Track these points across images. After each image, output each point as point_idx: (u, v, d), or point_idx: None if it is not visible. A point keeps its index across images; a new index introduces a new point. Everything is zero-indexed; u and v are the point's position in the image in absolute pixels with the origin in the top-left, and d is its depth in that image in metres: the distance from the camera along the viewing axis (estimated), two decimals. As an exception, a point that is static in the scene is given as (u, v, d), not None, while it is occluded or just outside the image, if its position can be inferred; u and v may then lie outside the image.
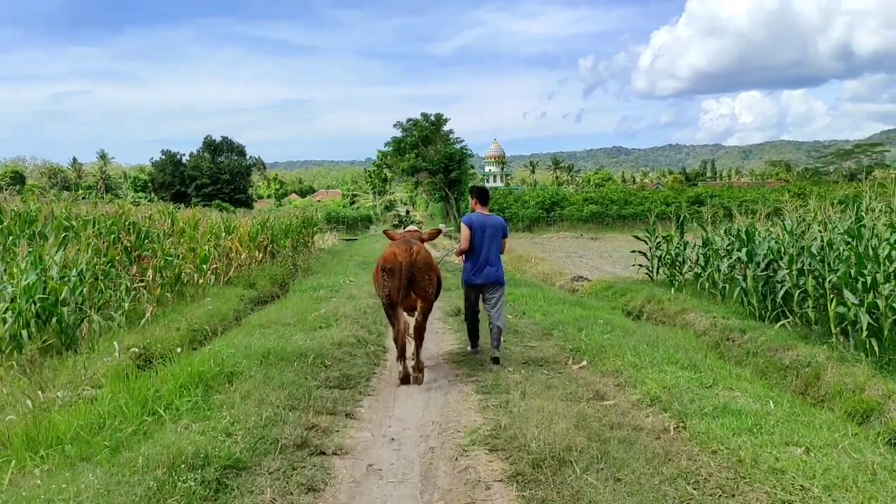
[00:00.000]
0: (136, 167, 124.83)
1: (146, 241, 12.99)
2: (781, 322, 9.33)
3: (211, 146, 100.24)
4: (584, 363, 7.27)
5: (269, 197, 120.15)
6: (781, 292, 9.76)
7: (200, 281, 13.17)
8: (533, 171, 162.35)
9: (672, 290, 13.61)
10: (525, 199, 55.63)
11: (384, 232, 7.92)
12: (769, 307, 10.48)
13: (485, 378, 6.48)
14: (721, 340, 9.86)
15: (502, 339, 7.56)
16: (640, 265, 16.00)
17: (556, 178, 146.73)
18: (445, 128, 56.58)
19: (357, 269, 19.77)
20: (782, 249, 10.12)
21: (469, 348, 7.97)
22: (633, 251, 16.21)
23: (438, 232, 7.93)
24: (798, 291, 9.43)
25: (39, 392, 5.72)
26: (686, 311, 11.71)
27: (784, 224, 10.94)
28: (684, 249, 14.71)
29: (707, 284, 13.05)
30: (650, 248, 15.67)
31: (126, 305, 9.74)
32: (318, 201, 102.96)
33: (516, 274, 19.98)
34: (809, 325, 9.27)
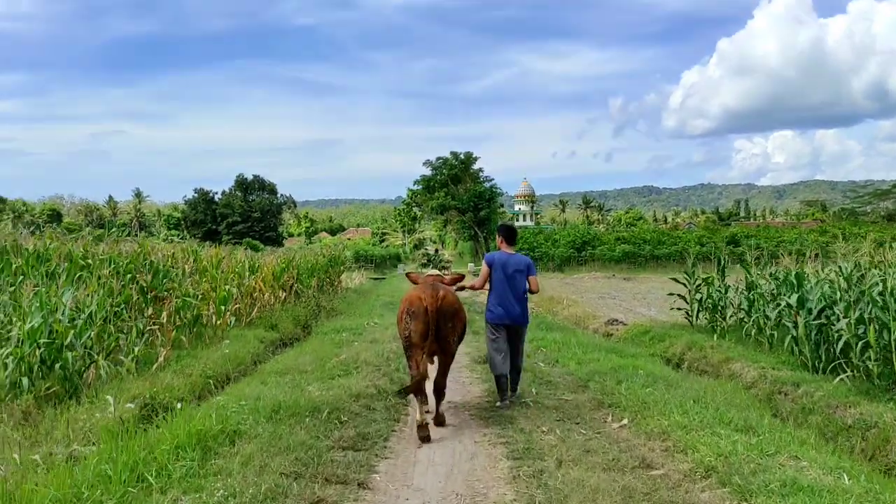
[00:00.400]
0: (169, 205, 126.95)
1: (164, 280, 12.58)
2: (840, 376, 8.53)
3: (243, 185, 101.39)
4: (625, 422, 6.58)
5: (299, 235, 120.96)
6: (840, 343, 8.97)
7: (219, 323, 12.69)
8: (563, 210, 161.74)
9: (714, 336, 12.82)
10: (556, 238, 54.96)
11: (406, 275, 7.59)
12: (823, 358, 9.69)
13: (516, 440, 5.81)
14: (772, 394, 9.08)
15: (520, 379, 7.69)
16: (679, 308, 15.20)
17: (587, 217, 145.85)
18: (475, 166, 56.54)
19: (382, 309, 19.21)
20: (838, 295, 9.34)
21: (498, 402, 7.40)
22: (671, 294, 15.43)
23: (461, 277, 7.50)
24: (858, 341, 8.64)
25: (19, 450, 5.19)
26: (731, 360, 10.93)
27: (839, 268, 10.19)
28: (726, 293, 13.95)
29: (752, 331, 12.26)
30: (689, 290, 14.90)
31: (137, 350, 9.25)
32: (348, 239, 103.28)
33: (547, 316, 19.28)
34: (871, 378, 8.47)
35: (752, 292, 12.59)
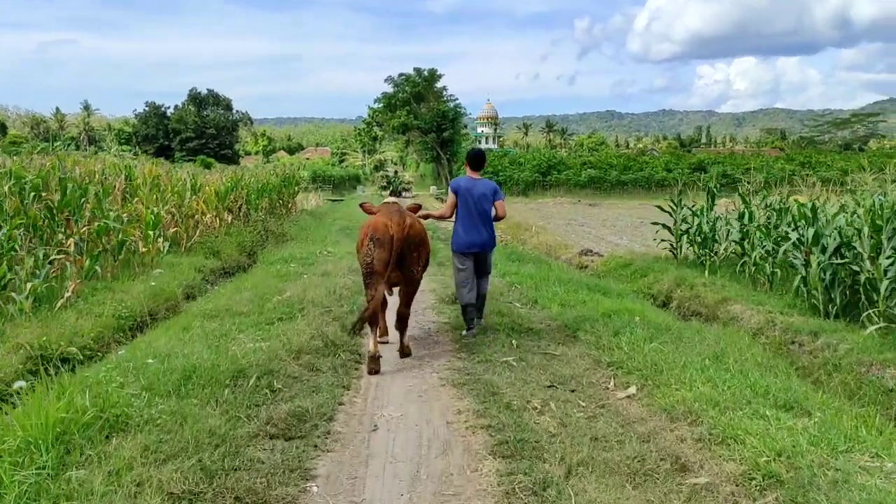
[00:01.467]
0: (121, 119, 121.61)
1: (82, 200, 10.79)
2: (871, 328, 7.31)
3: (196, 99, 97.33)
4: (633, 390, 5.26)
5: (256, 153, 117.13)
6: (860, 286, 7.75)
7: (145, 250, 11.01)
8: (526, 134, 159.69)
9: (705, 272, 11.58)
10: (520, 161, 53.39)
11: (361, 205, 6.97)
12: (837, 302, 8.51)
13: (501, 422, 4.40)
14: (785, 344, 7.89)
15: (485, 306, 7.48)
16: (664, 240, 13.92)
17: (550, 141, 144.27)
18: (439, 84, 53.99)
19: (338, 235, 17.64)
20: (864, 230, 8.06)
21: (464, 331, 7.14)
22: (655, 223, 14.12)
23: (419, 207, 7.06)
24: (890, 285, 7.41)
25: None
26: (728, 300, 9.71)
27: (857, 198, 8.92)
28: (714, 224, 12.68)
29: (749, 268, 11.05)
30: (675, 220, 13.59)
31: (33, 284, 7.61)
32: (307, 159, 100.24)
33: (517, 245, 17.92)
34: (901, 327, 7.30)
35: (749, 224, 11.32)
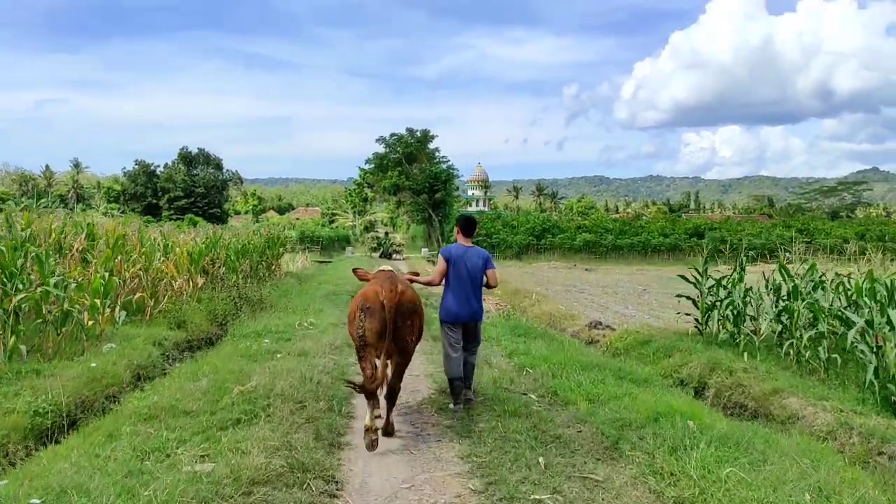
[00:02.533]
0: (110, 178, 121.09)
1: (23, 261, 9.23)
2: None
3: (186, 158, 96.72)
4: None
5: (246, 213, 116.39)
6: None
7: (91, 322, 9.38)
8: (516, 197, 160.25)
9: (743, 354, 10.04)
10: (513, 224, 52.25)
11: (354, 271, 6.73)
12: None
13: None
14: (869, 455, 6.33)
15: (474, 376, 7.15)
16: (687, 314, 12.42)
17: (540, 204, 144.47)
18: (431, 146, 53.14)
19: (323, 303, 16.06)
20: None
21: (451, 405, 6.88)
22: (680, 296, 12.64)
23: (417, 274, 7.14)
24: None
25: None
26: (781, 393, 8.16)
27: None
28: (745, 297, 11.21)
29: (794, 352, 9.54)
30: (700, 292, 12.12)
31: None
32: (297, 219, 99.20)
33: (518, 315, 16.36)
34: None
35: (794, 301, 9.84)
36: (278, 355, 8.89)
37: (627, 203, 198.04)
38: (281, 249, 25.74)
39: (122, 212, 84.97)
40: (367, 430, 5.48)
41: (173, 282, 14.37)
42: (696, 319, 12.11)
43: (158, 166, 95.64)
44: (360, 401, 7.06)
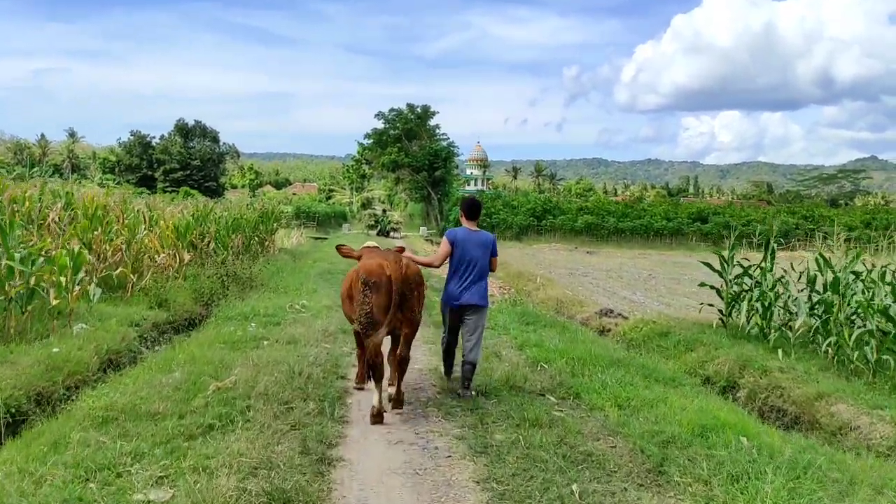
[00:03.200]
0: (107, 148, 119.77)
1: (-17, 233, 8.29)
2: None
3: (183, 130, 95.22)
4: None
5: (243, 187, 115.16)
6: None
7: (56, 301, 8.42)
8: (515, 177, 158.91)
9: (777, 351, 9.13)
10: (514, 205, 51.23)
11: (337, 248, 6.54)
12: None
13: None
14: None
15: (474, 376, 6.66)
16: (710, 304, 11.51)
17: (539, 185, 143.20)
18: (432, 122, 51.95)
19: (317, 282, 15.14)
20: None
21: (443, 372, 7.12)
22: (703, 285, 11.72)
23: (402, 249, 6.59)
24: None
25: None
26: (827, 398, 7.28)
27: None
28: (773, 287, 10.30)
29: (834, 350, 8.66)
30: (725, 280, 11.21)
31: None
32: (294, 194, 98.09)
33: (524, 301, 15.44)
34: None
35: (834, 294, 8.93)
36: (265, 343, 7.97)
37: (626, 186, 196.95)
38: (275, 225, 24.78)
39: (118, 183, 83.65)
40: (375, 413, 5.47)
41: (157, 257, 13.44)
42: (720, 310, 11.21)
43: (154, 137, 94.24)
44: (355, 401, 6.17)
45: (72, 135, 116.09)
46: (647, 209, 50.93)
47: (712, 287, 11.33)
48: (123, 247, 13.11)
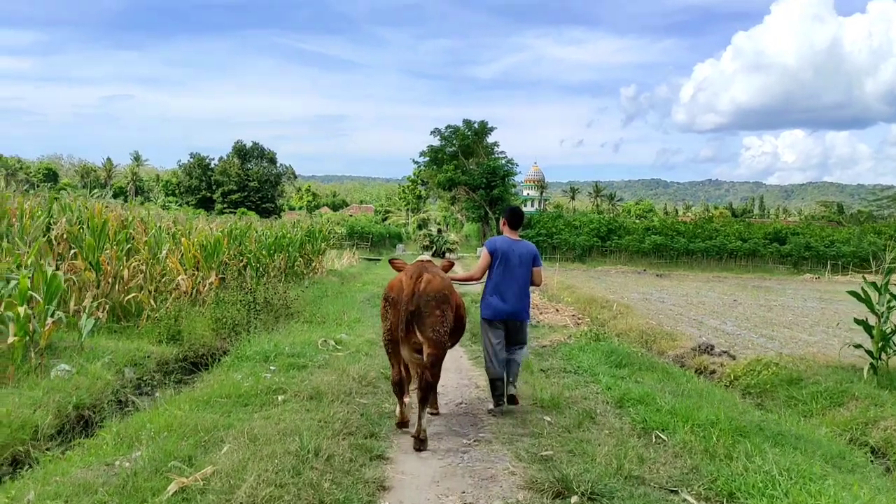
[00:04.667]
0: (169, 171, 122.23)
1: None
2: None
3: (241, 151, 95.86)
4: None
5: (300, 209, 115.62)
6: None
7: (14, 339, 6.55)
8: (573, 198, 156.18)
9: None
10: (576, 224, 48.69)
11: (390, 261, 6.17)
12: None
13: None
14: None
15: (519, 374, 6.44)
16: (857, 345, 9.04)
17: (597, 206, 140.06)
18: (490, 139, 49.91)
19: (363, 308, 13.19)
20: None
21: (492, 406, 6.35)
22: (859, 322, 9.21)
23: (451, 264, 6.21)
24: None
25: None
26: None
27: None
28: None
29: None
30: (877, 314, 8.76)
31: None
32: (350, 216, 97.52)
33: (604, 332, 13.14)
34: None
35: None
36: (280, 397, 5.95)
37: (687, 206, 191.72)
38: (323, 245, 23.00)
39: (179, 205, 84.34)
40: (400, 422, 5.45)
41: (181, 280, 11.67)
42: (869, 352, 8.75)
43: (213, 159, 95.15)
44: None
45: (136, 158, 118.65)
46: (720, 229, 47.67)
47: (859, 322, 8.88)
48: (144, 268, 11.44)
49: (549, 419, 5.98)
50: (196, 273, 12.22)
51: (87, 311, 8.27)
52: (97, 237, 10.19)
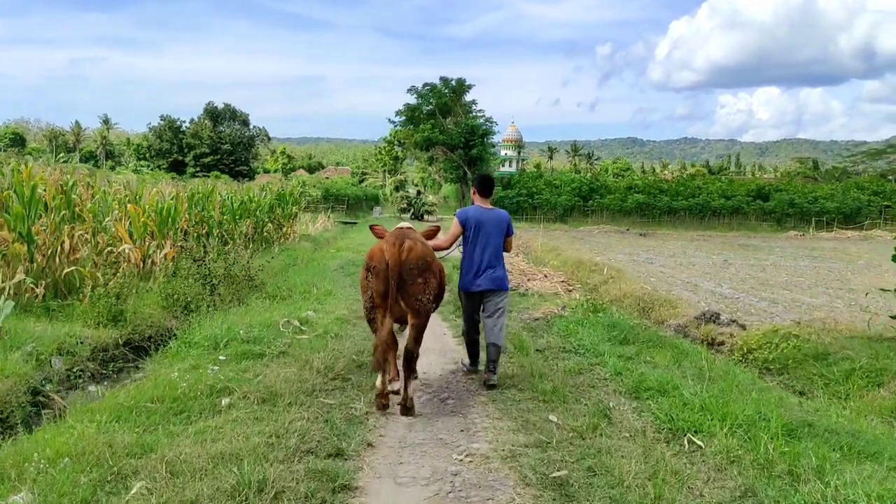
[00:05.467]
0: (140, 135, 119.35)
1: None
2: None
3: (212, 114, 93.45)
4: None
5: (275, 171, 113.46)
6: None
7: None
8: (551, 158, 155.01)
9: None
10: (556, 184, 47.55)
11: (370, 227, 6.04)
12: None
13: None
14: None
15: (500, 359, 6.12)
16: (893, 316, 8.07)
17: (575, 165, 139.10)
18: (468, 97, 48.35)
19: (336, 278, 12.05)
20: None
21: (466, 364, 6.55)
22: (883, 290, 8.26)
23: (437, 230, 6.10)
24: None
25: None
26: None
27: None
28: None
29: None
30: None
31: None
32: (326, 178, 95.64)
33: (601, 302, 12.10)
34: None
35: None
36: (224, 401, 4.82)
37: (664, 165, 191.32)
38: (294, 209, 21.69)
39: (151, 169, 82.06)
40: (379, 393, 5.17)
41: (128, 250, 10.41)
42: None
43: (185, 122, 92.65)
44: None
45: (105, 122, 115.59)
46: (703, 187, 46.72)
47: (885, 290, 7.89)
48: (88, 237, 10.20)
49: (555, 419, 4.93)
50: (149, 242, 10.96)
51: (8, 289, 7.03)
52: (27, 205, 8.90)
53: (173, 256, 11.40)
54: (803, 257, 25.61)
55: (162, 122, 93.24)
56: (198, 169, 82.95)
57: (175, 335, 7.84)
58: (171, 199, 12.02)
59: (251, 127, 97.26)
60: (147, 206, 11.17)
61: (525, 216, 42.73)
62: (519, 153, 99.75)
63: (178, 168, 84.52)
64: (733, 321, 10.19)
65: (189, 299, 8.93)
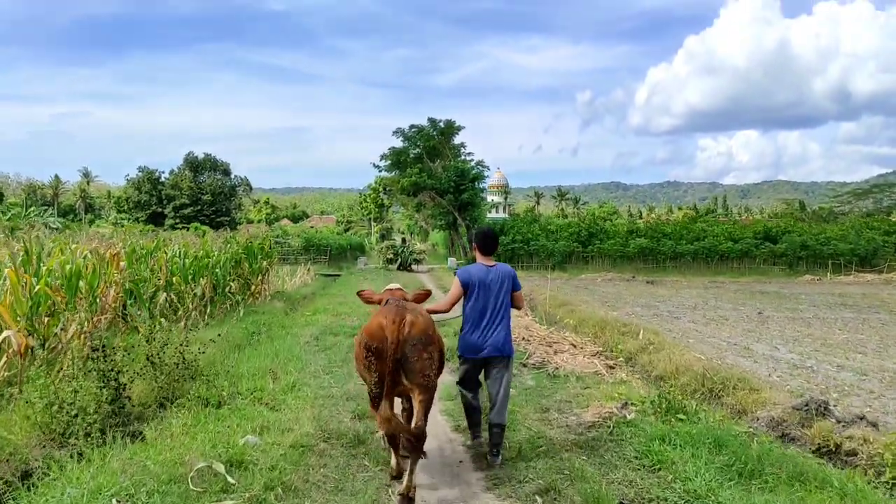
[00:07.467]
0: (121, 188, 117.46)
1: None
2: None
3: (193, 164, 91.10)
4: None
5: (259, 222, 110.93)
6: None
7: None
8: (538, 202, 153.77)
9: None
10: (553, 229, 44.92)
11: (358, 294, 5.70)
12: None
13: None
14: None
15: (503, 440, 5.68)
16: None
17: (562, 210, 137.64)
18: (457, 140, 45.89)
19: (305, 357, 9.08)
20: None
21: (470, 440, 6.01)
22: None
23: (427, 294, 5.72)
24: None
25: None
26: None
27: None
28: None
29: None
30: None
31: None
32: (311, 227, 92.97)
33: (669, 392, 9.13)
34: None
35: None
36: None
37: (650, 208, 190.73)
38: (265, 263, 18.74)
39: (129, 221, 79.12)
40: (402, 496, 4.67)
41: (10, 336, 7.42)
42: None
43: (163, 173, 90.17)
44: None
45: (85, 175, 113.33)
46: (708, 230, 44.15)
47: None
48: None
49: None
50: (46, 323, 7.98)
51: None
52: None
53: (87, 335, 8.41)
54: (837, 306, 22.92)
55: (140, 174, 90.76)
56: (177, 220, 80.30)
57: (35, 484, 4.84)
58: (85, 259, 9.06)
59: (233, 177, 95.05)
60: (44, 272, 8.20)
61: (521, 264, 39.94)
62: (506, 198, 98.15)
63: (156, 220, 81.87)
64: (861, 418, 7.30)
65: (71, 417, 5.84)
